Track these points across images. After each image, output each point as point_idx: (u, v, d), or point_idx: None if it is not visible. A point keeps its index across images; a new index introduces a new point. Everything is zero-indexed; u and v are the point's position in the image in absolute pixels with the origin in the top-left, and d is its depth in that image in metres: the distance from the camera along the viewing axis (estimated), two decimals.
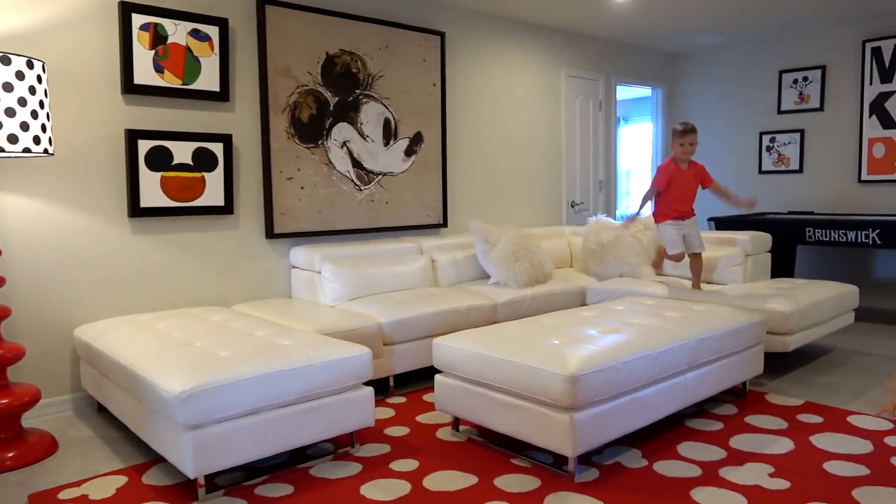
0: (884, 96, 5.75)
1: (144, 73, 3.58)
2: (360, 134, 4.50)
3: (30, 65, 2.74)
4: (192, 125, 3.80)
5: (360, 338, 3.45)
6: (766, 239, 4.69)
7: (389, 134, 4.67)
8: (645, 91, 7.29)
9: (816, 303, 3.91)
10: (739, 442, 2.88)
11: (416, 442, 2.95)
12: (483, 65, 5.37)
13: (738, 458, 2.71)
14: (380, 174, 4.63)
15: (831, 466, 2.61)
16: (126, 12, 3.49)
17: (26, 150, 2.72)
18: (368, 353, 2.80)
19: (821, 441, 2.87)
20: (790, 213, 6.23)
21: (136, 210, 3.58)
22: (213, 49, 3.80)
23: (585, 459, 2.70)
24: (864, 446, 2.81)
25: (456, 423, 3.06)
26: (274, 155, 4.09)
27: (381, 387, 3.71)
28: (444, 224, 5.05)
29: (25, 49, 3.24)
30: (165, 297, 3.76)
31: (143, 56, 3.56)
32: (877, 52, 5.77)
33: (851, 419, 3.13)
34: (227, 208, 3.91)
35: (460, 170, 5.24)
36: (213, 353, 2.64)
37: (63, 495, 2.47)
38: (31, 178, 3.30)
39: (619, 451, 2.79)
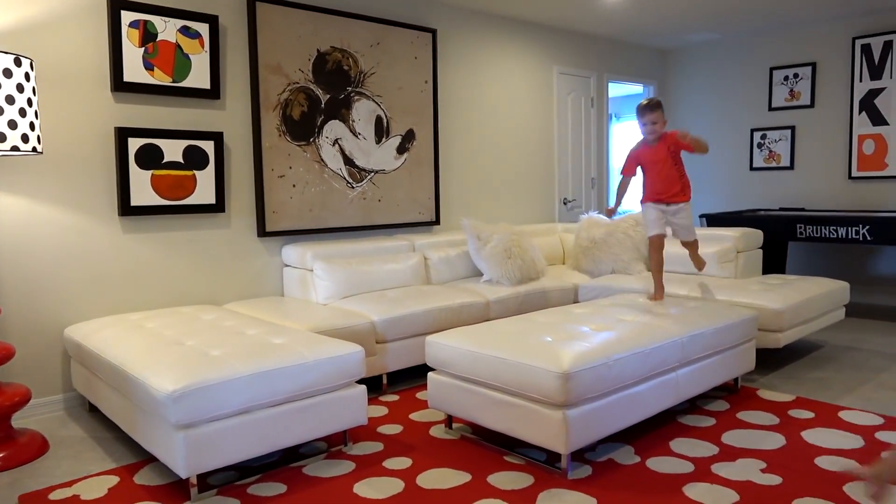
0: (873, 93, 5.78)
1: (134, 70, 3.55)
2: (351, 131, 4.49)
3: (17, 62, 2.71)
4: (183, 123, 3.78)
5: (353, 336, 3.44)
6: (757, 235, 4.71)
7: (381, 131, 4.66)
8: (637, 88, 7.30)
9: (808, 299, 3.93)
10: (731, 438, 2.89)
11: (410, 440, 2.94)
12: (475, 62, 5.36)
13: (730, 453, 2.72)
14: (372, 172, 4.61)
15: (823, 461, 2.63)
16: (115, 9, 3.46)
17: (14, 148, 2.70)
18: (361, 352, 2.80)
19: (812, 436, 2.89)
20: (781, 209, 6.26)
21: (126, 209, 3.56)
22: (203, 46, 3.78)
23: (578, 456, 2.70)
24: (856, 441, 2.82)
25: (449, 420, 3.06)
26: (265, 153, 4.08)
27: (375, 385, 3.70)
28: (437, 221, 5.04)
29: (13, 46, 3.21)
30: (157, 295, 3.74)
31: (132, 53, 3.54)
32: (866, 49, 5.80)
33: (842, 414, 3.15)
34: (219, 206, 3.89)
35: (452, 167, 5.23)
36: (204, 352, 2.62)
37: (54, 496, 2.45)
38: (19, 176, 3.27)
39: (612, 448, 2.80)
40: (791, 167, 6.37)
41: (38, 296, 3.36)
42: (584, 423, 2.52)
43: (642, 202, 3.87)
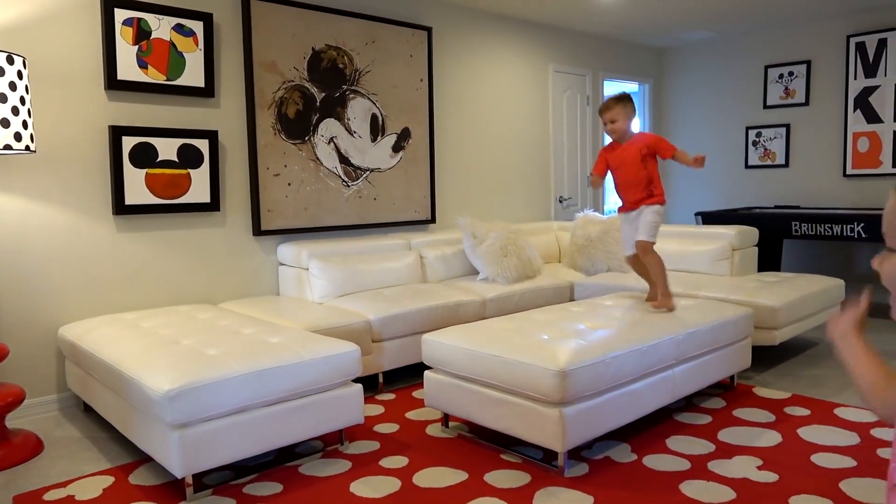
0: (868, 91, 5.80)
1: (128, 68, 3.53)
2: (347, 130, 4.47)
3: (10, 60, 2.69)
4: (177, 121, 3.76)
5: (349, 335, 3.43)
6: (752, 233, 4.72)
7: (377, 130, 4.65)
8: (632, 86, 7.30)
9: (803, 296, 3.94)
10: (728, 435, 2.89)
11: (406, 438, 2.94)
12: (470, 60, 5.35)
13: (726, 451, 2.73)
14: (367, 170, 4.60)
15: (819, 458, 2.63)
16: (109, 7, 3.44)
17: (7, 147, 2.68)
18: (357, 350, 2.79)
19: (808, 433, 2.90)
20: (776, 207, 6.27)
21: (121, 208, 3.54)
22: (197, 44, 3.76)
23: (575, 454, 2.70)
24: (851, 438, 2.83)
25: (446, 419, 3.06)
26: (260, 151, 4.06)
27: (371, 384, 3.70)
28: (433, 220, 5.03)
29: (5, 44, 3.19)
30: (152, 295, 3.73)
31: (126, 51, 3.52)
32: (861, 47, 5.81)
33: (838, 411, 3.15)
34: (214, 205, 3.88)
35: (448, 165, 5.23)
36: (200, 351, 2.61)
37: (49, 496, 2.44)
38: (13, 175, 3.25)
39: (609, 446, 2.80)
40: (786, 165, 6.38)
41: (32, 295, 3.34)
42: (580, 421, 2.52)
43: (620, 212, 3.58)
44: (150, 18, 3.58)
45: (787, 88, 6.32)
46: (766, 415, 3.14)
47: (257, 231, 4.08)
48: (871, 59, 5.76)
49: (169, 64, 3.67)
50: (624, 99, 3.29)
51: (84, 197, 3.47)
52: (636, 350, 2.74)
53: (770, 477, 2.48)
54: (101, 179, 3.52)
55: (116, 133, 3.51)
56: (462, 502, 2.32)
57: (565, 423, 2.46)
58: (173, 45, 3.67)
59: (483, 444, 2.85)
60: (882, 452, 2.67)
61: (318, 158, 4.33)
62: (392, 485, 2.48)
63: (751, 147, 6.61)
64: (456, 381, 2.85)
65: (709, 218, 5.76)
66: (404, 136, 4.81)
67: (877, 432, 2.88)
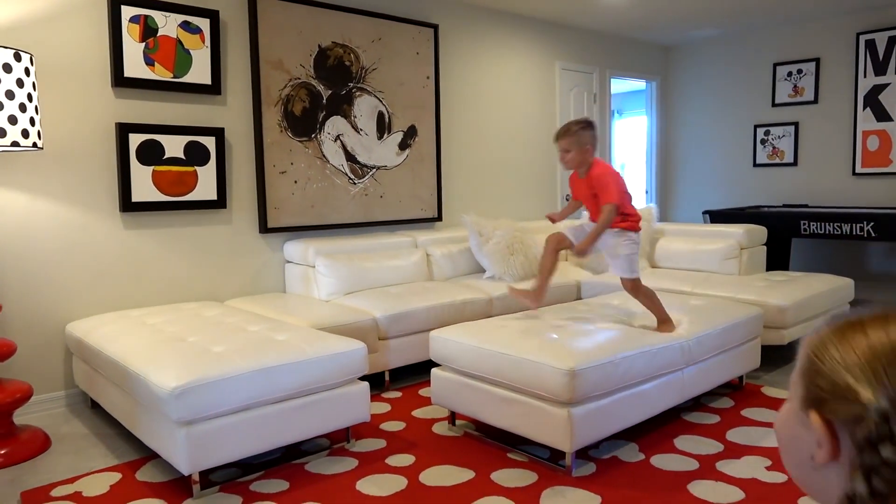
0: (878, 89, 5.75)
1: (135, 65, 3.53)
2: (353, 127, 4.47)
3: (17, 57, 2.69)
4: (184, 119, 3.76)
5: (355, 332, 3.42)
6: (760, 232, 4.69)
7: (383, 127, 4.64)
8: (639, 84, 7.27)
9: (812, 296, 3.91)
10: (736, 435, 2.87)
11: (413, 437, 2.93)
12: (477, 57, 5.33)
13: (735, 451, 2.71)
14: (374, 168, 4.59)
15: None
16: (115, 4, 3.44)
17: (15, 143, 2.68)
18: (363, 348, 2.78)
19: None
20: (785, 205, 6.24)
21: (127, 205, 3.54)
22: (204, 41, 3.76)
23: (582, 454, 2.69)
24: None
25: (452, 417, 3.05)
26: (267, 149, 4.05)
27: (377, 382, 3.69)
28: (439, 218, 5.02)
29: (13, 41, 3.19)
30: (158, 292, 3.73)
31: (133, 48, 3.52)
32: (871, 45, 5.76)
33: None
34: (220, 202, 3.88)
35: (455, 163, 5.21)
36: (206, 348, 2.61)
37: (56, 492, 2.44)
38: (20, 172, 3.25)
39: (617, 446, 2.78)
40: (794, 163, 6.34)
41: (39, 292, 3.34)
42: (589, 422, 2.50)
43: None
44: (156, 15, 3.58)
45: (795, 86, 6.28)
46: (775, 415, 3.11)
47: (264, 228, 4.08)
48: (880, 56, 5.72)
49: (175, 61, 3.66)
50: (579, 128, 2.96)
51: (91, 194, 3.47)
52: (646, 352, 2.72)
53: (779, 477, 2.46)
54: (108, 176, 3.52)
55: (123, 130, 3.51)
56: (469, 501, 2.31)
57: (574, 423, 2.44)
58: (180, 42, 3.67)
59: (490, 442, 2.84)
60: None
61: (324, 156, 4.33)
62: (398, 483, 2.47)
63: (759, 145, 6.57)
64: (463, 379, 2.84)
65: (717, 216, 5.73)
66: (411, 133, 4.80)
67: None
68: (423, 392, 3.56)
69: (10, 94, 2.65)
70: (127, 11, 3.48)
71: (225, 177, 3.88)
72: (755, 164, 6.61)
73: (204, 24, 3.75)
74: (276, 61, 4.06)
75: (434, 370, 3.00)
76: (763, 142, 6.53)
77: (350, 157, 4.46)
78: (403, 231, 4.70)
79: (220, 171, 3.85)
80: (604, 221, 2.91)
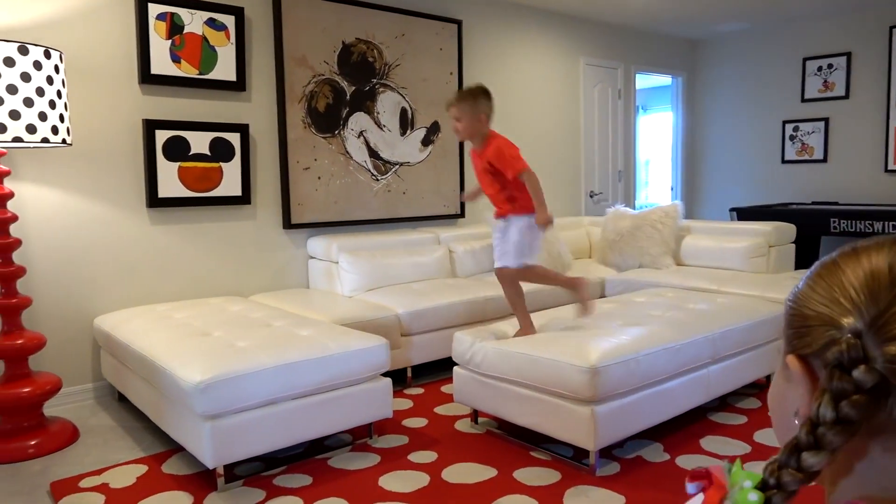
0: None
1: (161, 62, 3.56)
2: (376, 123, 4.47)
3: (47, 55, 2.73)
4: (209, 115, 3.79)
5: (378, 328, 3.43)
6: (789, 230, 4.61)
7: (406, 123, 4.63)
8: (665, 79, 7.18)
9: None
10: (764, 436, 2.82)
11: (435, 433, 2.93)
12: (500, 53, 5.30)
13: (763, 452, 2.66)
14: (397, 164, 4.59)
15: None
16: (143, 2, 3.47)
17: (44, 140, 2.72)
18: (386, 344, 2.78)
19: None
20: (814, 203, 6.12)
21: (154, 200, 3.58)
22: (229, 38, 3.78)
23: (606, 453, 2.66)
24: None
25: (475, 414, 3.04)
26: (291, 145, 4.07)
27: (399, 378, 3.69)
28: (462, 214, 5.01)
29: (43, 39, 3.24)
30: (184, 287, 3.77)
31: (159, 46, 3.55)
32: None
33: None
34: (245, 198, 3.90)
35: None
36: (231, 343, 2.63)
37: (84, 483, 2.48)
38: (49, 168, 3.30)
39: (641, 445, 2.75)
40: (824, 160, 6.21)
41: (68, 286, 3.40)
42: (612, 420, 2.48)
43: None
44: (182, 13, 3.61)
45: (825, 81, 6.15)
46: None
47: (287, 224, 4.10)
48: None
49: (201, 58, 3.69)
50: (471, 94, 2.75)
51: (119, 190, 3.52)
52: (669, 348, 2.68)
53: None
54: (135, 172, 3.56)
55: (150, 127, 3.55)
56: (491, 499, 2.30)
57: (597, 421, 2.42)
58: (205, 39, 3.70)
59: (512, 440, 2.82)
60: None
61: (347, 152, 4.34)
62: (421, 479, 2.47)
63: (788, 141, 6.45)
64: (485, 378, 2.83)
65: (744, 214, 5.64)
66: (433, 129, 4.79)
67: None
68: (445, 389, 3.56)
69: (40, 92, 2.69)
70: (154, 9, 3.52)
71: (249, 173, 3.91)
72: (783, 161, 6.49)
73: (229, 20, 3.77)
74: (300, 58, 4.08)
75: (456, 368, 2.99)
76: (792, 138, 6.42)
77: (373, 154, 4.47)
78: (426, 227, 4.70)
79: (244, 168, 3.88)
80: (536, 187, 2.79)
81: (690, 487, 0.64)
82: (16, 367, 2.84)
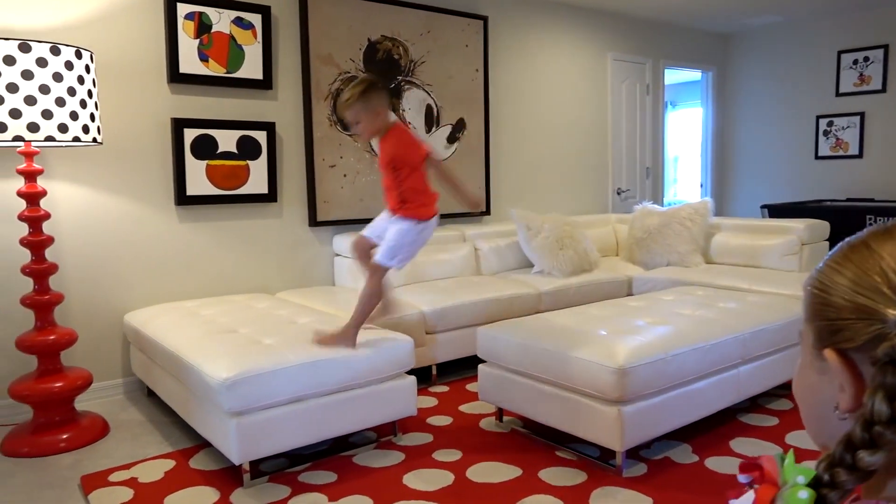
0: None
1: (189, 62, 3.60)
2: (402, 121, 4.46)
3: (78, 55, 2.77)
4: (236, 113, 3.82)
5: (403, 326, 3.42)
6: (823, 227, 4.50)
7: (431, 121, 4.62)
8: (695, 74, 7.06)
9: None
10: (796, 438, 2.76)
11: (460, 432, 2.91)
12: (527, 49, 5.26)
13: (795, 455, 2.59)
14: None
15: None
16: (171, 2, 3.51)
17: (76, 139, 2.77)
18: (410, 342, 2.77)
19: None
20: (849, 200, 5.97)
21: (182, 198, 3.62)
22: (256, 37, 3.81)
23: (633, 454, 2.62)
24: None
25: (500, 413, 3.02)
26: (317, 143, 4.09)
27: (424, 376, 3.68)
28: (488, 212, 4.98)
29: (74, 39, 3.29)
30: (211, 283, 3.81)
31: (188, 45, 3.59)
32: None
33: None
34: (271, 196, 3.93)
35: (503, 157, 5.16)
36: (257, 340, 2.65)
37: (113, 477, 2.52)
38: (81, 166, 3.36)
39: (669, 446, 2.70)
40: (860, 155, 6.05)
41: (99, 283, 3.45)
42: (640, 420, 2.44)
43: None
44: (210, 12, 3.64)
45: (861, 75, 5.99)
46: None
47: (313, 222, 4.12)
48: None
49: (229, 57, 3.72)
50: (361, 93, 2.54)
51: (148, 187, 3.56)
52: (699, 348, 2.63)
53: None
54: (163, 171, 3.61)
55: (178, 125, 3.59)
56: (516, 498, 2.28)
57: (624, 421, 2.38)
58: (233, 38, 3.73)
59: (538, 439, 2.80)
60: None
61: (373, 150, 4.34)
62: (445, 478, 2.45)
63: (821, 137, 6.30)
64: (510, 376, 2.80)
65: (776, 211, 5.52)
66: (459, 127, 4.77)
67: None
68: (470, 387, 3.54)
69: (71, 91, 2.74)
70: (182, 9, 3.55)
71: (276, 171, 3.93)
72: (817, 157, 6.34)
73: (256, 19, 3.79)
74: (325, 56, 4.09)
75: (481, 366, 2.97)
76: (826, 133, 6.26)
77: None
78: (451, 225, 4.68)
79: (270, 165, 3.90)
80: (445, 172, 2.74)
81: (742, 478, 0.62)
82: (48, 363, 2.90)
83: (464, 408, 3.23)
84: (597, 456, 2.61)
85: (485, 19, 4.84)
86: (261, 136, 3.86)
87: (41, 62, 2.64)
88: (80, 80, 2.78)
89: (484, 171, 4.93)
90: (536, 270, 4.40)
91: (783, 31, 6.51)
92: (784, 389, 3.37)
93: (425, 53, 4.54)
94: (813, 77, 6.33)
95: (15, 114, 2.61)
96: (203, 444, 2.81)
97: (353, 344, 2.63)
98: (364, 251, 2.80)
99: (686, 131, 9.20)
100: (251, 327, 2.86)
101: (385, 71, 4.35)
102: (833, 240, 5.26)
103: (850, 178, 6.14)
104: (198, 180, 3.67)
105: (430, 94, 4.59)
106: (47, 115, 2.66)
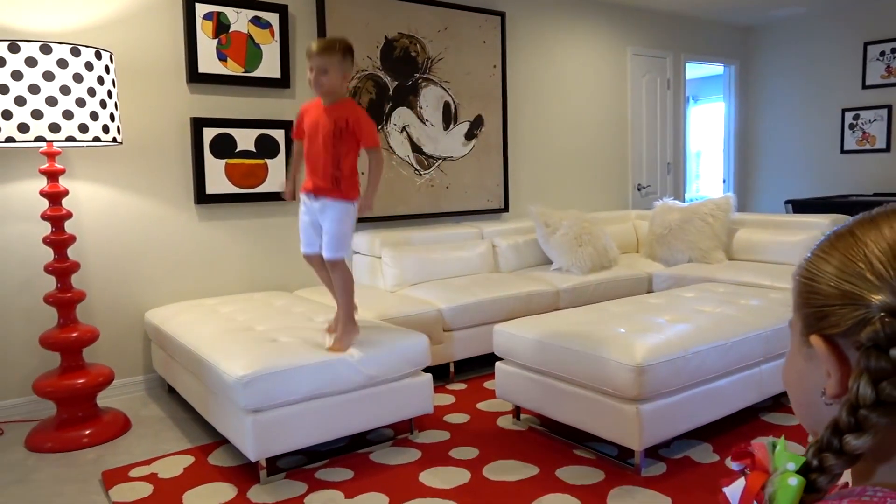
0: None
1: (208, 61, 3.63)
2: (419, 118, 4.46)
3: (98, 56, 2.81)
4: (254, 112, 3.84)
5: (420, 324, 3.42)
6: None
7: (449, 118, 4.61)
8: (717, 68, 6.96)
9: None
10: None
11: (477, 430, 2.90)
12: (545, 45, 5.22)
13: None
14: (440, 159, 4.58)
15: None
16: (190, 2, 3.54)
17: (96, 138, 2.80)
18: (426, 340, 2.77)
19: None
20: (875, 195, 5.84)
21: (201, 197, 3.65)
22: (273, 36, 3.82)
23: (652, 453, 2.59)
24: None
25: (517, 411, 3.00)
26: None
27: (442, 373, 3.68)
28: (506, 209, 4.96)
29: (94, 41, 3.33)
30: (231, 281, 3.83)
31: (206, 45, 3.61)
32: None
33: None
34: None
35: (522, 153, 5.13)
36: (274, 337, 2.66)
37: (134, 473, 2.55)
38: (102, 166, 3.40)
39: (689, 445, 2.67)
40: (887, 149, 5.92)
41: (120, 281, 3.50)
42: (659, 419, 2.40)
43: (302, 191, 2.74)
44: (228, 12, 3.66)
45: (889, 66, 5.86)
46: None
47: None
48: None
49: (247, 56, 3.74)
50: (342, 49, 2.51)
51: (168, 186, 3.60)
52: (719, 345, 2.59)
53: None
54: (183, 170, 3.64)
55: (198, 125, 3.61)
56: (533, 497, 2.27)
57: (642, 420, 2.35)
58: (251, 37, 3.75)
59: (555, 438, 2.78)
60: None
61: (390, 147, 4.34)
62: (462, 476, 2.45)
63: (847, 131, 6.17)
64: (528, 374, 2.79)
65: (800, 206, 5.42)
66: (477, 123, 4.75)
67: None
68: (487, 385, 3.53)
69: (91, 91, 2.77)
70: (201, 9, 3.58)
71: None
72: (843, 151, 6.22)
73: (273, 18, 3.81)
74: None
75: (498, 364, 2.96)
76: (852, 127, 6.14)
77: (416, 148, 4.46)
78: (469, 222, 4.67)
79: (289, 164, 3.92)
80: (379, 169, 2.66)
81: (734, 465, 0.64)
82: (71, 359, 2.94)
83: (481, 405, 3.21)
84: (615, 455, 2.58)
85: (502, 15, 4.82)
86: (279, 135, 3.87)
87: (62, 63, 2.68)
88: (100, 80, 2.81)
89: (502, 168, 4.90)
90: (555, 268, 4.37)
91: (807, 22, 6.39)
92: None
93: (442, 50, 4.53)
94: (838, 69, 6.20)
95: (37, 114, 2.64)
96: (221, 441, 2.83)
97: (358, 329, 2.65)
98: (322, 265, 2.72)
99: (708, 126, 9.08)
100: (269, 325, 2.87)
101: (402, 68, 4.35)
102: None
103: (877, 172, 6.01)
104: (217, 179, 3.69)
105: (447, 91, 4.58)
106: (68, 115, 2.70)
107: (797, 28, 6.47)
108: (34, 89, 2.63)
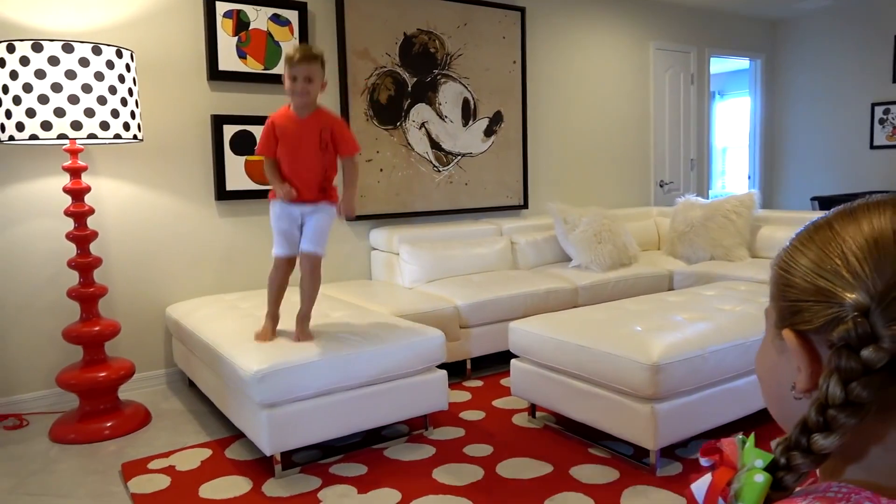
0: None
1: (228, 59, 3.66)
2: (438, 115, 4.45)
3: (119, 54, 2.85)
4: (274, 109, 3.82)
5: (437, 320, 3.42)
6: None
7: (468, 114, 4.59)
8: (742, 63, 6.85)
9: None
10: None
11: (491, 427, 2.89)
12: (565, 40, 5.18)
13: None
14: (458, 155, 4.57)
15: None
16: (210, 0, 3.57)
17: (117, 136, 2.84)
18: (441, 336, 2.77)
19: None
20: None
21: (222, 193, 3.69)
22: (292, 33, 3.84)
23: (668, 452, 2.56)
24: None
25: (532, 409, 2.99)
26: None
27: (458, 370, 3.68)
28: (525, 205, 4.94)
29: (115, 39, 3.38)
30: (250, 277, 3.87)
31: (226, 43, 3.65)
32: None
33: None
34: None
35: (541, 149, 5.10)
36: (290, 333, 2.68)
37: (153, 465, 2.59)
38: (124, 163, 3.45)
39: None
40: None
41: (142, 276, 3.55)
42: (675, 419, 2.37)
43: (271, 198, 2.68)
44: (248, 10, 3.69)
45: None
46: None
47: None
48: None
49: (266, 53, 3.77)
50: (321, 59, 2.51)
51: (188, 183, 3.64)
52: (739, 344, 2.55)
53: None
54: (204, 166, 3.68)
55: (218, 122, 3.65)
56: (547, 495, 2.26)
57: (658, 419, 2.32)
58: (270, 34, 3.77)
59: (570, 436, 2.76)
60: None
61: (409, 144, 4.34)
62: (475, 473, 2.44)
63: (877, 125, 6.02)
64: (543, 371, 2.77)
65: (827, 203, 5.32)
66: (496, 119, 4.73)
67: None
68: (503, 382, 3.52)
69: (112, 90, 2.81)
70: (221, 7, 3.61)
71: None
72: (872, 146, 6.07)
73: (293, 16, 3.83)
74: (362, 50, 4.10)
75: (513, 361, 2.95)
76: (882, 121, 5.99)
77: (435, 145, 4.45)
78: (488, 219, 4.65)
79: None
80: (357, 173, 2.69)
81: (703, 461, 0.63)
82: (93, 353, 2.99)
83: (497, 403, 3.21)
84: (630, 454, 2.56)
85: (522, 10, 4.79)
86: None
87: (83, 62, 2.72)
88: (121, 78, 2.85)
89: (521, 164, 4.88)
90: (574, 265, 4.34)
91: (835, 14, 6.25)
92: None
93: (462, 46, 4.52)
94: (867, 63, 6.06)
95: (59, 112, 2.69)
96: (238, 435, 2.86)
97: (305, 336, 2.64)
98: (289, 269, 2.76)
99: (734, 122, 8.93)
100: (284, 321, 2.89)
101: (421, 65, 4.35)
102: None
103: None
104: (237, 176, 3.73)
105: (466, 87, 4.56)
106: (89, 113, 2.74)
107: (824, 21, 6.33)
108: (57, 87, 2.68)
